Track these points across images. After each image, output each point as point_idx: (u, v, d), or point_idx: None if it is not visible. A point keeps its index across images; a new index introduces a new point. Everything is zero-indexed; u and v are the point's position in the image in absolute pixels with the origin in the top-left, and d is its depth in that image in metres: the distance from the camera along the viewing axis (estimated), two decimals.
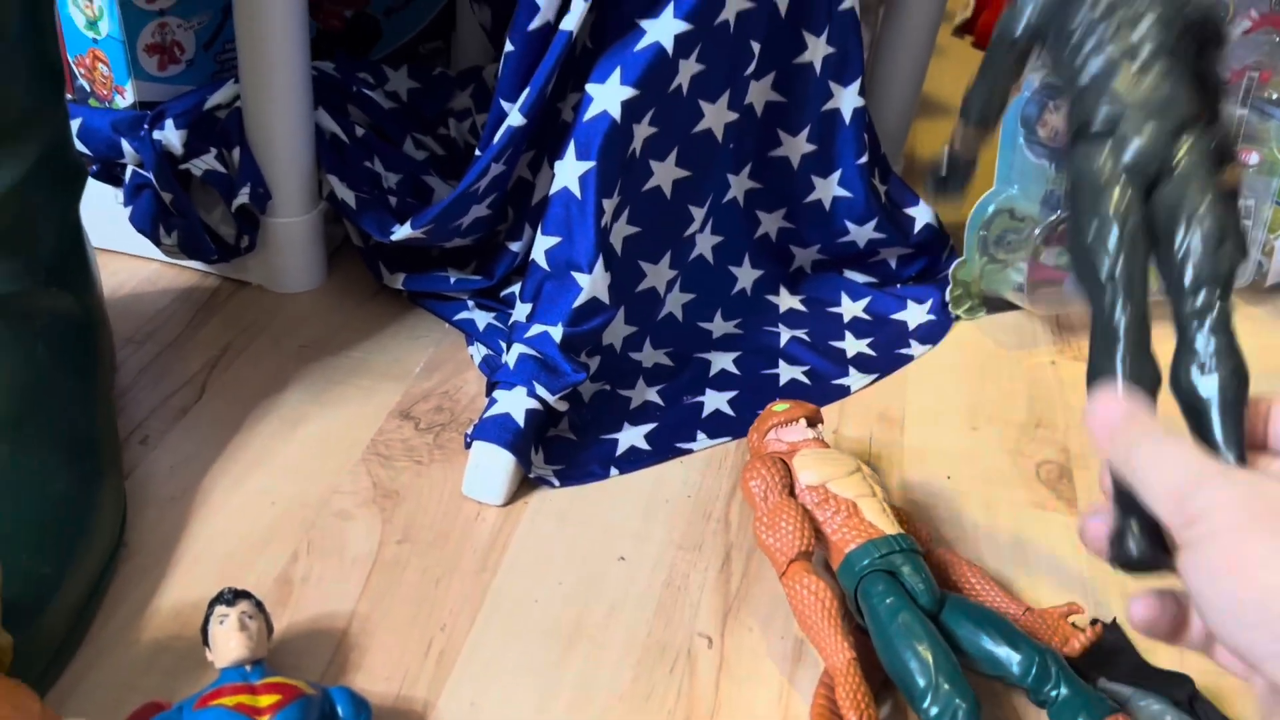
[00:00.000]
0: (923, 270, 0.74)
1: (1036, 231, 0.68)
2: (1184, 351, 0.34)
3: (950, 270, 0.71)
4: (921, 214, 0.73)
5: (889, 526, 0.47)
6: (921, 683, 0.41)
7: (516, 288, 0.66)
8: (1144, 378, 0.34)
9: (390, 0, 0.76)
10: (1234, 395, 0.33)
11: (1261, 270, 0.74)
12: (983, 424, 0.63)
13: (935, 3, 0.75)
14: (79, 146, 0.61)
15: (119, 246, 0.67)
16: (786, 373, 0.65)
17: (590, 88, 0.56)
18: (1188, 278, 0.34)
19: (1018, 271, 0.70)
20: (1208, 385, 0.33)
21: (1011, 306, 0.73)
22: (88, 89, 0.64)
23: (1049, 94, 0.67)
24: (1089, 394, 0.34)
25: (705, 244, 0.68)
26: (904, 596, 0.44)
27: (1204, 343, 0.33)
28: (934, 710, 0.40)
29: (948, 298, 0.72)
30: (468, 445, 0.55)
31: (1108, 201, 0.35)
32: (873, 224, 0.70)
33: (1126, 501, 0.33)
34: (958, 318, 0.72)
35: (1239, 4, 0.68)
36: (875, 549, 0.46)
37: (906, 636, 0.42)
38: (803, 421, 0.53)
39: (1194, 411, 0.34)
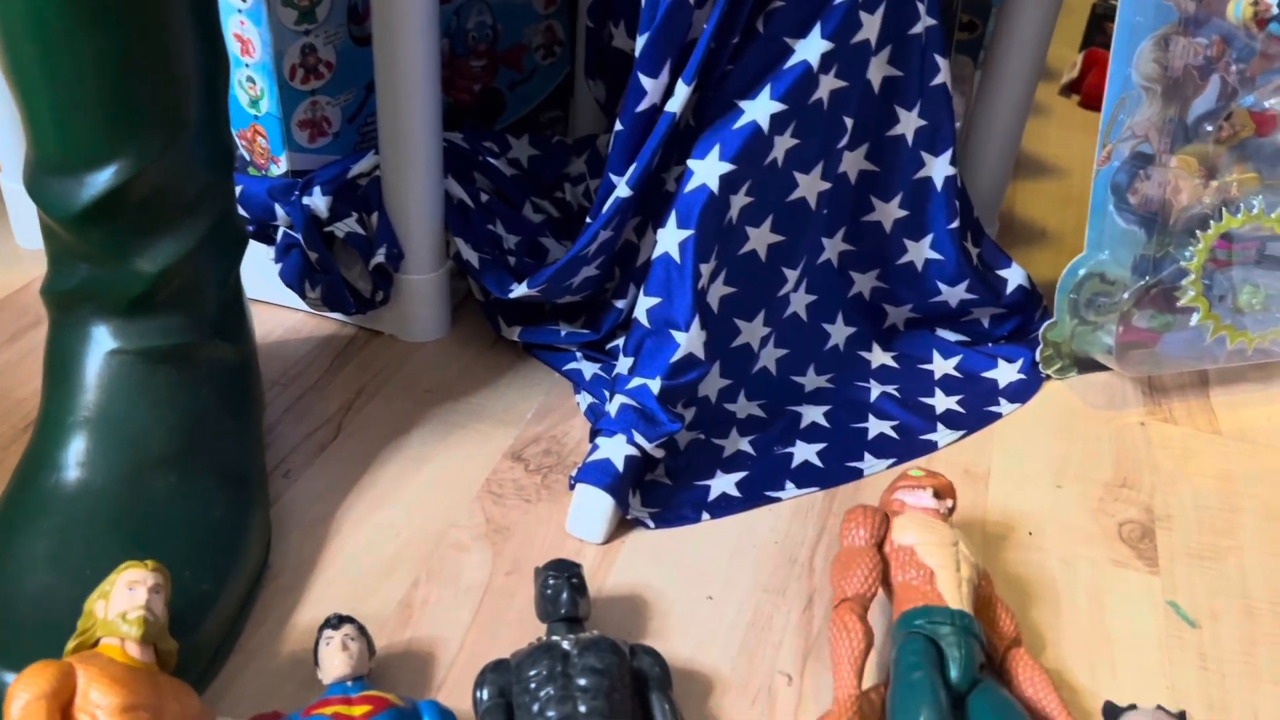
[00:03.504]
0: (1015, 330, 0.76)
1: (1126, 295, 0.70)
2: None
3: (1041, 331, 0.73)
4: (1014, 275, 0.75)
5: (954, 601, 0.48)
6: None
7: (621, 341, 0.71)
8: None
9: (515, 75, 0.83)
10: None
11: None
12: (1068, 482, 0.65)
13: (1030, 72, 0.78)
14: (239, 211, 0.68)
15: (267, 298, 0.75)
16: (875, 427, 0.68)
17: (691, 163, 0.60)
18: None
19: (1108, 334, 0.72)
20: None
21: (1102, 367, 0.75)
22: (247, 159, 0.72)
23: (1139, 163, 0.69)
24: None
25: (799, 302, 0.71)
26: (931, 664, 0.46)
27: None
28: None
29: (1038, 357, 0.74)
30: (572, 487, 0.59)
31: None
32: (964, 285, 0.73)
33: None
34: (1048, 377, 0.74)
35: None
36: (928, 614, 0.48)
37: (911, 694, 0.44)
38: (930, 490, 0.55)
39: None
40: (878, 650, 0.52)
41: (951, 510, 0.55)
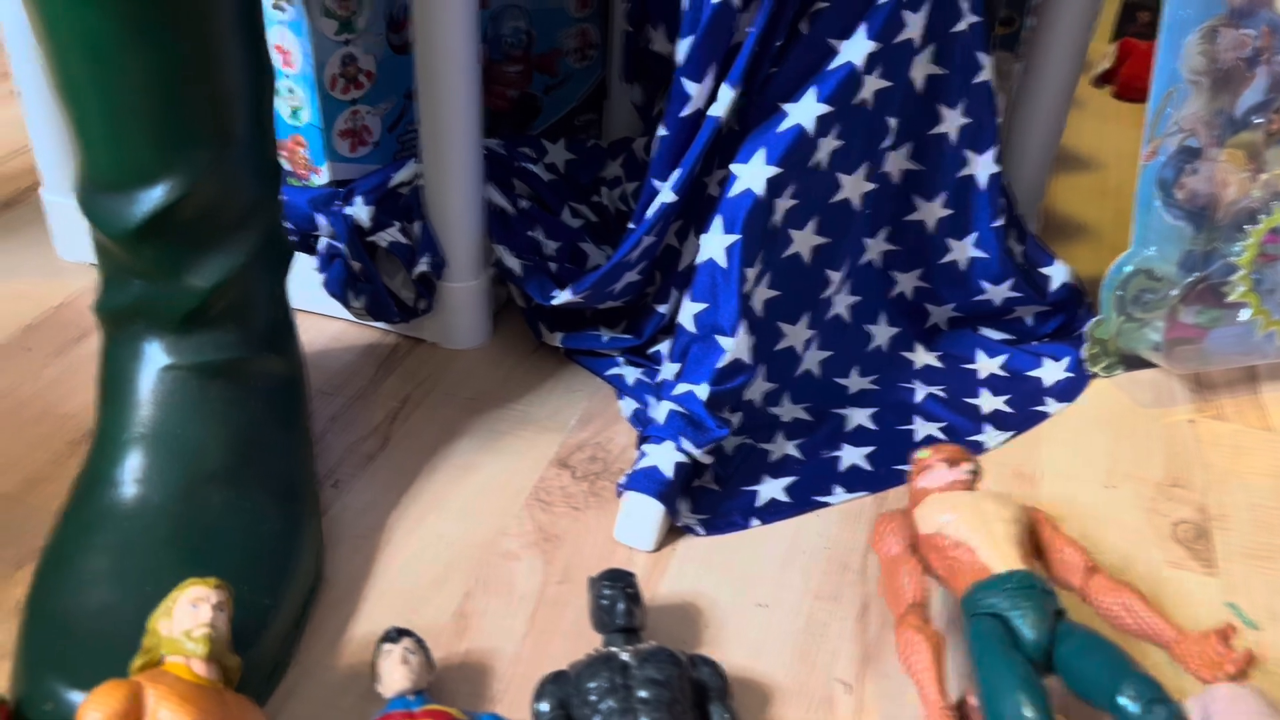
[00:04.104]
0: (1060, 328, 0.76)
1: (1174, 291, 0.69)
2: None
3: (1087, 328, 0.73)
4: (1058, 273, 0.74)
5: (1000, 564, 0.47)
6: None
7: (663, 346, 0.70)
8: None
9: (549, 79, 0.83)
10: None
11: None
12: (1119, 482, 0.65)
13: (1071, 67, 0.77)
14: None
15: (310, 307, 0.75)
16: (922, 429, 0.68)
17: (735, 167, 0.60)
18: None
19: (1155, 330, 0.71)
20: None
21: (1149, 364, 0.74)
22: (288, 169, 0.72)
23: (1185, 157, 0.68)
24: None
25: (842, 304, 0.71)
26: (1000, 642, 0.45)
27: None
28: None
29: (1084, 355, 0.73)
30: (620, 494, 0.59)
31: None
32: (1009, 284, 0.72)
33: None
34: (1095, 375, 0.73)
35: None
36: (982, 593, 0.47)
37: (994, 683, 0.44)
38: (942, 465, 0.54)
39: None
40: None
41: (975, 473, 0.54)
